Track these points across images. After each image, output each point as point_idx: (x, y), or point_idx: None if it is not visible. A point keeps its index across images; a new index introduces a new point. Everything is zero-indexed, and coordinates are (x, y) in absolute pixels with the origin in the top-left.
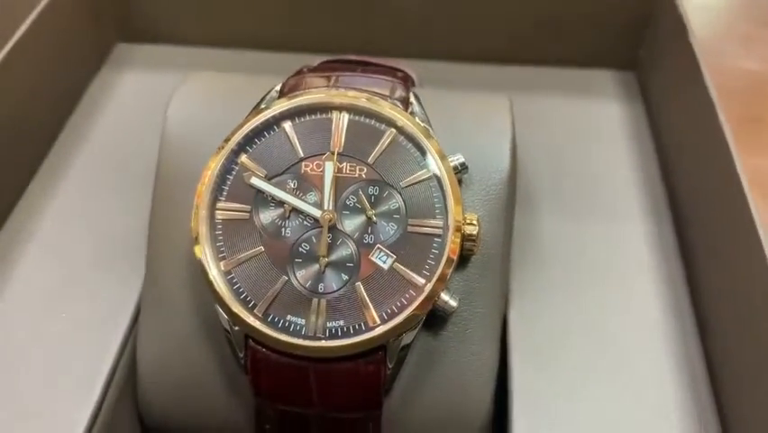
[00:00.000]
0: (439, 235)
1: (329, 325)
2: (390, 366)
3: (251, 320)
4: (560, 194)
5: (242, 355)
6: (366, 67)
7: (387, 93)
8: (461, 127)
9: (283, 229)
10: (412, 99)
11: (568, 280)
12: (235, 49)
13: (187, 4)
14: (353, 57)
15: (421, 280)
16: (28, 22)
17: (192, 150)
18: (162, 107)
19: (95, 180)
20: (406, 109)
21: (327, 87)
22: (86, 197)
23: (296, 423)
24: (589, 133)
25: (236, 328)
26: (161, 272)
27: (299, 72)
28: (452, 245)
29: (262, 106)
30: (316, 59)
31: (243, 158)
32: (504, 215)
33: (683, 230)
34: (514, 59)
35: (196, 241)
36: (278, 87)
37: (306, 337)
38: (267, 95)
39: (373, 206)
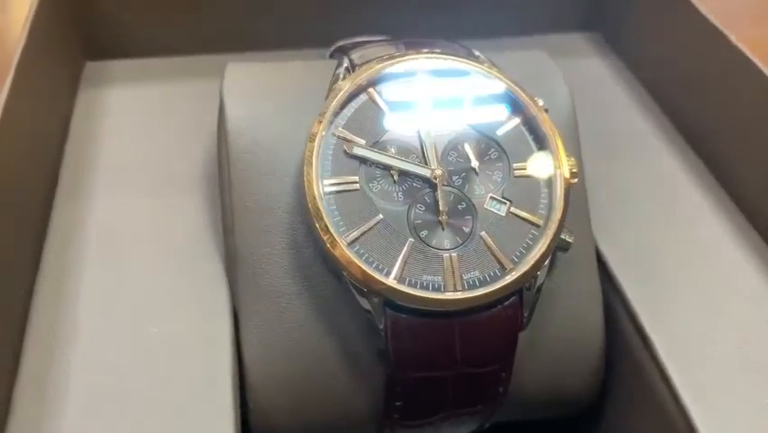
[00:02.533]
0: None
1: (466, 277)
2: (526, 314)
3: (391, 283)
4: (586, 139)
5: (381, 327)
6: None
7: (460, 53)
8: (519, 79)
9: (395, 194)
10: (477, 53)
11: (628, 207)
12: (200, 54)
13: (149, 16)
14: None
15: (539, 220)
16: (16, 56)
17: (262, 139)
18: (152, 117)
19: (121, 199)
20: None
21: (398, 53)
22: (121, 215)
23: (431, 391)
24: (583, 88)
25: (375, 300)
26: (257, 268)
27: (353, 46)
28: (564, 181)
29: (340, 80)
30: (294, 55)
31: (340, 131)
32: (577, 152)
33: (700, 147)
34: (474, 34)
35: (317, 218)
36: (345, 64)
37: (448, 292)
38: (337, 70)
39: (475, 157)
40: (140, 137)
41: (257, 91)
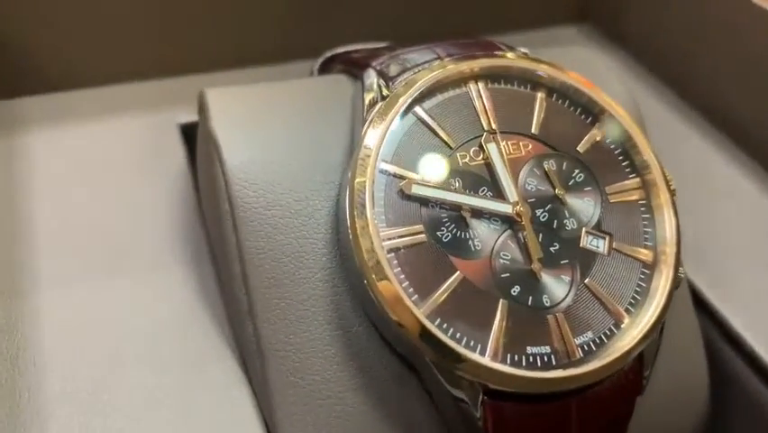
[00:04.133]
0: (644, 198)
1: (578, 342)
2: (646, 373)
3: (488, 363)
4: None
5: (478, 416)
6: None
7: (507, 50)
8: None
9: (471, 242)
10: (524, 49)
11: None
12: (135, 81)
13: (57, 51)
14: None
15: (648, 253)
16: None
17: (276, 185)
18: (89, 165)
19: (77, 287)
20: None
21: (438, 59)
22: (81, 309)
23: None
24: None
25: (468, 385)
26: (293, 362)
27: (370, 55)
28: (670, 203)
29: (373, 101)
30: (255, 74)
31: (391, 168)
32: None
33: (737, 135)
34: (469, 30)
35: (381, 286)
36: (373, 78)
37: (561, 366)
38: (365, 90)
39: (559, 183)
40: (80, 195)
41: (255, 123)
